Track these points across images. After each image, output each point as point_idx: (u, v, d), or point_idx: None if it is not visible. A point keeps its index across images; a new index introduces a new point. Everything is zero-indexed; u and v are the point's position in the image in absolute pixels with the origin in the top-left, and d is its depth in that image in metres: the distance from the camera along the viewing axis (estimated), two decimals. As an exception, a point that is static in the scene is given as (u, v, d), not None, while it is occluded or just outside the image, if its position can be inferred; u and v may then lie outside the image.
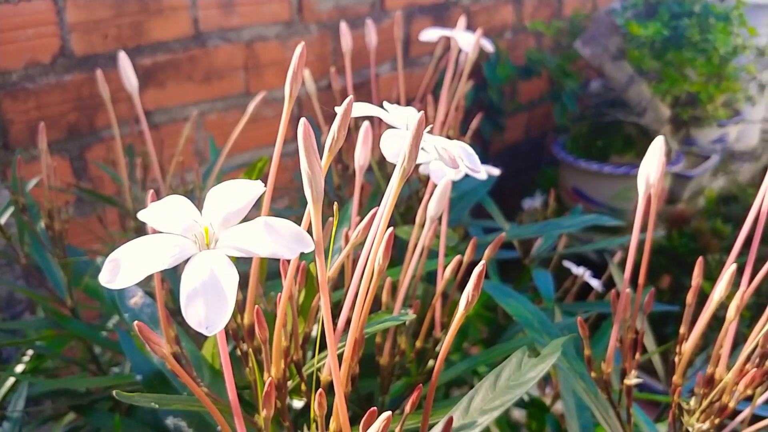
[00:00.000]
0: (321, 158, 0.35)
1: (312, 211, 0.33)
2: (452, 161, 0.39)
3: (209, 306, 0.31)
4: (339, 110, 0.35)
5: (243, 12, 1.44)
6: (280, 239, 0.34)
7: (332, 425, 0.38)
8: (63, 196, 0.75)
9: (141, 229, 0.85)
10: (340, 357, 0.37)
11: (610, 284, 1.05)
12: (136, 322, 0.33)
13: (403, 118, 0.44)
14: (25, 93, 1.18)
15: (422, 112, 0.32)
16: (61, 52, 1.21)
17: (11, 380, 0.73)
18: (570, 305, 0.95)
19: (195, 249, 0.34)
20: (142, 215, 0.36)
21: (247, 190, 0.37)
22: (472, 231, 1.00)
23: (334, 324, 0.39)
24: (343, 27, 0.86)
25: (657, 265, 1.87)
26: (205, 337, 0.55)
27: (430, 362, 0.63)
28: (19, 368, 0.75)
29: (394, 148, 0.39)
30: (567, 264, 1.14)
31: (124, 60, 0.79)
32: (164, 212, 0.37)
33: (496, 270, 0.96)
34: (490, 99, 1.99)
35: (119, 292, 0.54)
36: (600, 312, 0.89)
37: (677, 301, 1.05)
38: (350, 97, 0.34)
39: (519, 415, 0.88)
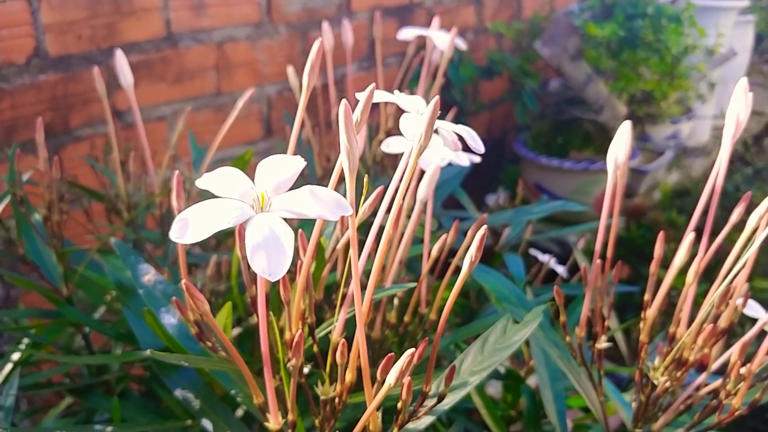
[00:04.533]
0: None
1: (348, 180, 0.39)
2: (455, 144, 0.44)
3: (270, 256, 0.36)
4: (361, 96, 0.39)
5: (214, 13, 1.47)
6: (324, 204, 0.39)
7: (348, 376, 0.43)
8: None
9: (133, 222, 0.88)
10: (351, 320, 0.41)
11: (573, 271, 1.11)
12: (183, 280, 0.37)
13: (413, 103, 0.50)
14: (0, 93, 1.19)
15: (437, 97, 0.37)
16: (36, 53, 1.23)
17: (8, 368, 0.75)
18: (538, 288, 1.00)
19: (253, 212, 0.39)
20: (200, 182, 0.41)
21: (293, 163, 0.42)
22: (444, 221, 1.05)
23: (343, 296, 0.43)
24: (325, 26, 0.90)
25: (616, 255, 1.95)
26: (218, 310, 0.59)
27: (413, 341, 0.68)
28: (15, 356, 0.77)
29: (412, 128, 0.44)
30: (533, 252, 1.19)
31: (120, 57, 0.82)
32: (221, 180, 0.42)
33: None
34: (453, 99, 2.05)
35: (134, 271, 0.57)
36: (566, 294, 0.94)
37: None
38: (372, 84, 0.38)
39: (494, 391, 0.93)
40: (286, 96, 1.68)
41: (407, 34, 0.91)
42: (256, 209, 0.40)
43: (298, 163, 0.42)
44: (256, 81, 1.60)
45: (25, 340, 0.80)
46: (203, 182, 0.41)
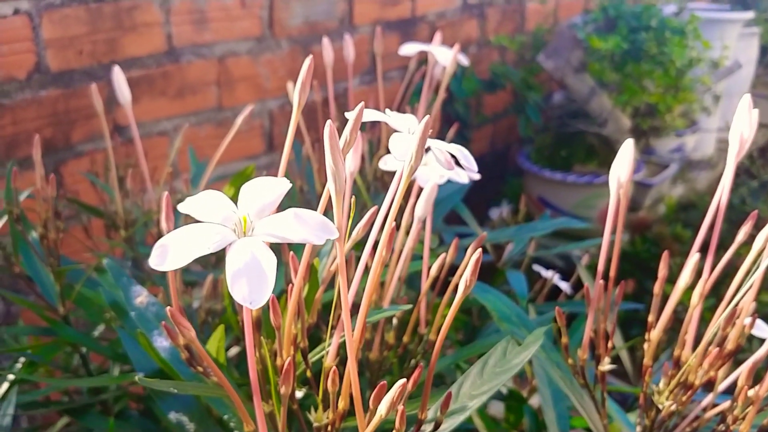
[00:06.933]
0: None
1: (335, 203, 0.37)
2: (448, 163, 0.43)
3: (252, 283, 0.35)
4: (350, 115, 0.38)
5: (215, 28, 1.47)
6: (309, 227, 0.37)
7: (341, 404, 0.42)
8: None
9: (131, 239, 0.87)
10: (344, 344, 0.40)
11: (578, 287, 1.10)
12: (168, 307, 0.36)
13: (405, 123, 0.49)
14: (1, 109, 1.19)
15: (428, 116, 0.36)
16: (37, 68, 1.22)
17: (4, 387, 0.74)
18: (542, 305, 0.99)
19: (234, 236, 0.38)
20: (182, 207, 0.40)
21: (277, 185, 0.41)
22: (446, 237, 1.04)
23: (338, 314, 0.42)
24: (325, 41, 0.90)
25: (621, 270, 1.93)
26: (210, 333, 0.58)
27: (413, 361, 0.67)
28: (11, 376, 0.76)
29: (402, 148, 0.43)
30: (537, 268, 1.18)
31: (118, 74, 0.81)
32: (203, 204, 0.41)
33: (471, 273, 1.00)
34: (456, 112, 2.04)
35: (126, 292, 0.56)
36: (570, 311, 0.93)
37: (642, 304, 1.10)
38: (362, 103, 0.37)
39: (496, 410, 0.91)
40: (288, 110, 1.67)
41: (409, 49, 0.91)
42: (238, 233, 0.39)
43: (283, 186, 0.41)
44: (258, 95, 1.60)
45: (22, 359, 0.79)
46: (185, 207, 0.40)
